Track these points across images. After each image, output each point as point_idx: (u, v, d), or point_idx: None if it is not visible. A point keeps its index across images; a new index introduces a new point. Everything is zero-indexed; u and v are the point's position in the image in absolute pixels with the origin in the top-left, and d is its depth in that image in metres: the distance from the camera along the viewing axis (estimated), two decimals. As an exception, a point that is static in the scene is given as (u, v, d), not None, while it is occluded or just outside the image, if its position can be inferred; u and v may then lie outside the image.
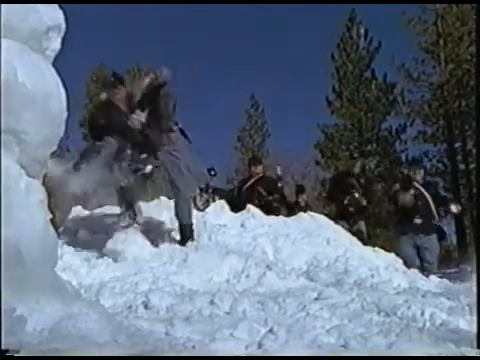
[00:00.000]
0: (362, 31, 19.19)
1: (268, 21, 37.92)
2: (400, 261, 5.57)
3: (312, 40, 35.31)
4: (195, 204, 6.83)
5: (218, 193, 7.59)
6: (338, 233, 5.36)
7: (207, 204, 7.06)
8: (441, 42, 16.72)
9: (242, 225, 5.50)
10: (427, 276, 4.61)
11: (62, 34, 2.09)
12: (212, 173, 7.58)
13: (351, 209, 7.25)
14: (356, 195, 7.26)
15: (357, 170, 7.90)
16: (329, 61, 19.35)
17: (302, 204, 8.40)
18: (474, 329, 2.03)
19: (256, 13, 37.79)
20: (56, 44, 2.08)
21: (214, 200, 7.13)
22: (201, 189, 7.19)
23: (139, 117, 4.56)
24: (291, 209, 7.76)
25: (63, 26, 2.09)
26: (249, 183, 7.54)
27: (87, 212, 5.64)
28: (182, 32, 39.13)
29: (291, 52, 35.03)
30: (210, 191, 7.53)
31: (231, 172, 24.21)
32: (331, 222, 5.63)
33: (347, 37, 19.24)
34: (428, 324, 2.34)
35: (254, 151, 24.48)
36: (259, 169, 7.67)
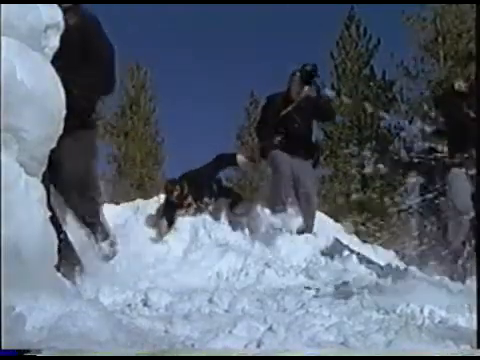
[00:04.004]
0: (361, 29, 19.19)
1: (267, 18, 37.86)
2: (399, 258, 5.57)
3: (311, 38, 35.26)
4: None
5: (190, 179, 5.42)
6: (337, 230, 5.37)
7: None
8: (440, 40, 16.71)
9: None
10: None
11: (60, 32, 2.09)
12: None
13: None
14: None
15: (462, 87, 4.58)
16: (328, 59, 19.35)
17: None
18: (473, 327, 2.03)
19: (255, 11, 37.78)
20: (55, 42, 2.08)
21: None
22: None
23: None
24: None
25: (61, 24, 2.08)
26: (290, 107, 5.13)
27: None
28: (182, 31, 39.09)
29: (290, 50, 34.97)
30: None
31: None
32: (330, 220, 5.64)
33: (346, 35, 19.22)
34: (427, 321, 2.34)
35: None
36: (307, 89, 5.12)
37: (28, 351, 1.42)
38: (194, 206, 5.28)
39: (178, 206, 5.27)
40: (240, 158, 5.53)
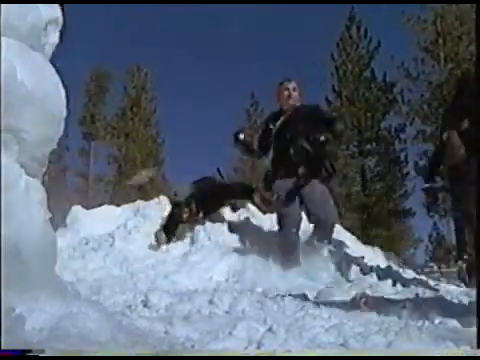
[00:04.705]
0: (362, 31, 19.20)
1: (267, 20, 37.92)
2: (399, 260, 5.57)
3: (312, 39, 35.32)
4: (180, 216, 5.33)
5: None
6: (337, 232, 5.37)
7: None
8: (440, 41, 16.73)
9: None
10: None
11: (60, 27, 2.08)
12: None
13: None
14: None
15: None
16: (329, 60, 19.37)
17: None
18: (474, 328, 2.03)
19: (256, 12, 37.81)
20: (54, 38, 2.07)
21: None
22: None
23: None
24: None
25: (60, 19, 2.07)
26: (281, 121, 4.74)
27: (86, 211, 5.65)
28: (181, 32, 39.13)
29: (291, 51, 35.03)
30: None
31: (231, 171, 24.23)
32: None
33: (346, 37, 19.25)
34: (427, 323, 2.34)
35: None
36: (295, 96, 4.81)
37: (30, 351, 1.42)
38: (202, 220, 5.22)
39: (186, 222, 5.18)
40: (257, 198, 5.39)
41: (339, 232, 5.45)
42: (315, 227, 4.56)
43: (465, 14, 15.64)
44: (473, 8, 12.60)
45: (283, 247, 4.39)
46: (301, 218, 4.56)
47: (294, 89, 4.80)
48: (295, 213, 4.52)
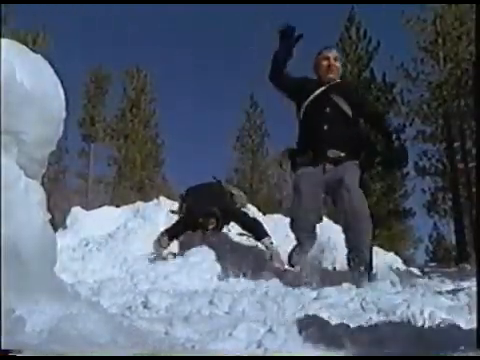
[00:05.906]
0: (361, 31, 19.21)
1: (267, 21, 37.93)
2: (399, 260, 5.57)
3: (311, 40, 35.35)
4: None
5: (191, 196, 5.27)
6: (338, 232, 5.37)
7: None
8: (440, 41, 16.74)
9: (241, 225, 5.49)
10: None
11: None
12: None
13: None
14: None
15: None
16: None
17: None
18: (474, 328, 2.02)
19: (255, 12, 37.83)
20: None
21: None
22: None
23: None
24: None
25: None
26: (319, 90, 4.08)
27: (86, 212, 5.65)
28: (181, 33, 39.15)
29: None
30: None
31: (230, 171, 24.25)
32: (330, 221, 5.63)
33: (346, 37, 19.26)
34: (427, 323, 2.33)
35: (253, 150, 24.41)
36: (337, 67, 4.17)
37: (9, 351, 1.41)
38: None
39: (207, 232, 5.02)
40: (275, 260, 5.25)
41: (339, 232, 5.45)
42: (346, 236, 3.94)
43: (465, 14, 15.65)
44: (473, 8, 12.60)
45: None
46: (320, 218, 4.17)
47: (336, 59, 4.16)
48: (312, 217, 4.02)
